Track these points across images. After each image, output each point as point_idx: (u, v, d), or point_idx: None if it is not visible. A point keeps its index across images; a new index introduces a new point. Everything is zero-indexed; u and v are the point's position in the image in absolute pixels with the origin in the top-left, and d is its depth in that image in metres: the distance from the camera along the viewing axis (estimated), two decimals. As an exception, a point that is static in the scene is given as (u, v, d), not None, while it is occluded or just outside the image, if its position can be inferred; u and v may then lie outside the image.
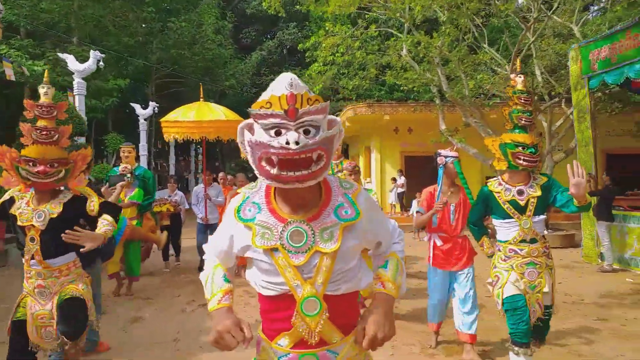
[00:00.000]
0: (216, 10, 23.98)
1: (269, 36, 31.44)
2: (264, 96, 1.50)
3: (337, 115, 19.93)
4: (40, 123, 3.09)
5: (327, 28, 12.07)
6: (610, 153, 16.10)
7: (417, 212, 4.38)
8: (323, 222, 1.53)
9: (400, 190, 16.40)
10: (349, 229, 1.54)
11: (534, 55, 11.56)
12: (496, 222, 3.39)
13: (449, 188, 4.22)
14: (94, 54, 11.85)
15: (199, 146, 6.42)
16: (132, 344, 4.59)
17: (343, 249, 1.52)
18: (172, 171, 22.27)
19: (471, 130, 12.17)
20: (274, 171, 1.44)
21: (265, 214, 1.55)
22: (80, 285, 3.11)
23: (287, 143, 1.39)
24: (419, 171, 17.68)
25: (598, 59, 8.72)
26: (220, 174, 9.27)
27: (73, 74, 11.94)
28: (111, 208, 3.31)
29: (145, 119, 18.48)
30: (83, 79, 11.93)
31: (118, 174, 6.56)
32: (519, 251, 3.25)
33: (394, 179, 16.59)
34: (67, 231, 2.89)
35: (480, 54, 12.10)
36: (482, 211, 3.52)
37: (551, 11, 10.58)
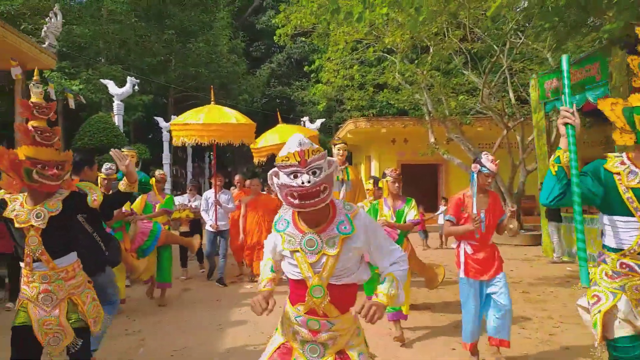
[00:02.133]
0: (229, 30, 26.07)
1: (277, 48, 33.11)
2: (282, 153, 2.05)
3: (340, 127, 21.82)
4: (36, 124, 2.92)
5: (328, 55, 14.04)
6: (586, 160, 17.95)
7: (447, 220, 4.23)
8: (329, 234, 2.08)
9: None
10: (347, 239, 2.08)
11: (508, 79, 13.39)
12: (606, 220, 2.33)
13: (479, 195, 4.09)
14: (131, 80, 13.94)
15: (212, 152, 7.41)
16: (188, 301, 6.60)
17: (343, 253, 2.07)
18: (189, 177, 23.66)
19: (457, 143, 13.97)
20: (296, 202, 2.01)
21: (291, 227, 2.16)
22: (88, 298, 3.02)
23: (302, 183, 1.97)
24: (415, 177, 19.59)
25: (550, 88, 10.56)
26: (237, 177, 9.34)
27: (107, 92, 13.98)
28: (117, 197, 3.27)
29: (167, 131, 20.31)
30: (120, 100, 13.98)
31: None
32: (636, 268, 2.22)
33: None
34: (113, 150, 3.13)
35: (467, 76, 13.96)
36: (592, 186, 2.30)
37: (522, 38, 12.39)
